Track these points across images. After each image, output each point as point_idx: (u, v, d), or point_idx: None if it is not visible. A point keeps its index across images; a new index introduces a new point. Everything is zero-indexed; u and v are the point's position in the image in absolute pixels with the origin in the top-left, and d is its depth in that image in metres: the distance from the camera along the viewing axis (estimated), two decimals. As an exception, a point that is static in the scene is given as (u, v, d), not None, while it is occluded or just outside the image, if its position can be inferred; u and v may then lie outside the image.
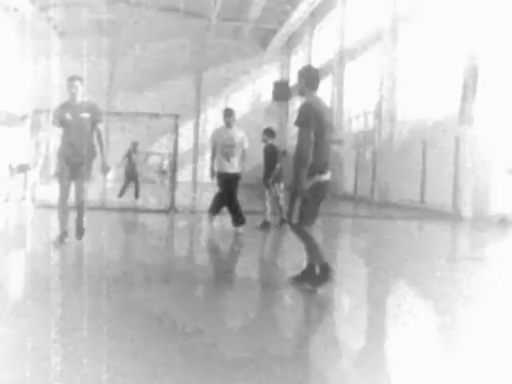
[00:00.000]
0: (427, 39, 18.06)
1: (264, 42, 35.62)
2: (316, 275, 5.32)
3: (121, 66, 34.21)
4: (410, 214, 15.79)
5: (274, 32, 33.45)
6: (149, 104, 31.01)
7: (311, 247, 5.34)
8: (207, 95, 35.45)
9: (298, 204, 5.24)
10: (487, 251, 9.20)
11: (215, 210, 9.89)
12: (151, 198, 17.18)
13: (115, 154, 18.67)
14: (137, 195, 15.21)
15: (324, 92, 27.80)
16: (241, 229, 9.39)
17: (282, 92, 34.30)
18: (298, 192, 5.19)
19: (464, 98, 15.55)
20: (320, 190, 5.29)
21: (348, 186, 23.55)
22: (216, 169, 9.41)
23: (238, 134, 9.48)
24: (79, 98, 7.08)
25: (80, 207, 7.18)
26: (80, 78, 7.14)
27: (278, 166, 10.64)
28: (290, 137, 31.06)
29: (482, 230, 12.54)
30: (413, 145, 17.84)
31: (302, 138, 5.14)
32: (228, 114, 9.51)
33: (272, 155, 10.61)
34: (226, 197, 9.49)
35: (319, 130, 5.18)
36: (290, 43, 35.10)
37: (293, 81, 34.44)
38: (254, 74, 35.92)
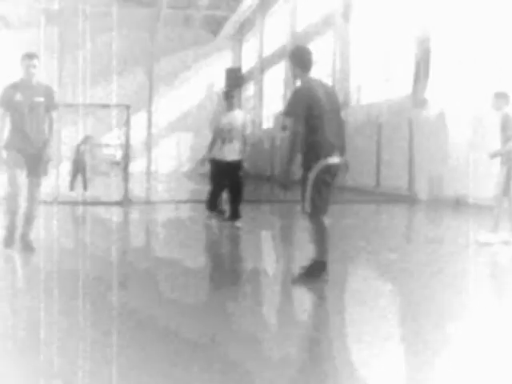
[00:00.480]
0: (379, 22, 18.07)
1: (215, 30, 35.22)
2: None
3: (70, 58, 33.31)
4: (366, 197, 15.81)
5: (226, 19, 33.09)
6: (100, 96, 30.33)
7: (322, 241, 5.01)
8: (159, 85, 34.88)
9: (308, 192, 4.96)
10: (441, 232, 9.20)
11: (212, 205, 8.96)
12: (104, 189, 16.79)
13: (67, 147, 18.22)
14: (85, 187, 14.82)
15: (276, 78, 27.70)
16: (239, 223, 8.75)
17: (234, 79, 34.02)
18: (279, 180, 5.13)
19: (416, 81, 15.61)
20: (328, 175, 5.01)
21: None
22: (216, 157, 8.67)
23: (239, 116, 8.78)
24: (35, 80, 6.23)
25: (31, 209, 6.27)
26: (38, 57, 6.24)
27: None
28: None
29: (437, 212, 12.65)
30: (367, 128, 17.87)
31: (289, 128, 4.96)
32: (229, 95, 8.92)
33: None
34: (222, 187, 8.84)
35: (317, 112, 4.93)
36: (242, 30, 34.80)
37: (245, 67, 34.23)
38: (206, 61, 35.50)
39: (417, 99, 15.45)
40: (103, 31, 32.95)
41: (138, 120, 32.06)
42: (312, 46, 23.69)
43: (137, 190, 16.20)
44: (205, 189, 9.51)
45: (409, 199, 14.54)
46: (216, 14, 33.06)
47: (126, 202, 12.37)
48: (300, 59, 5.22)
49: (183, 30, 34.96)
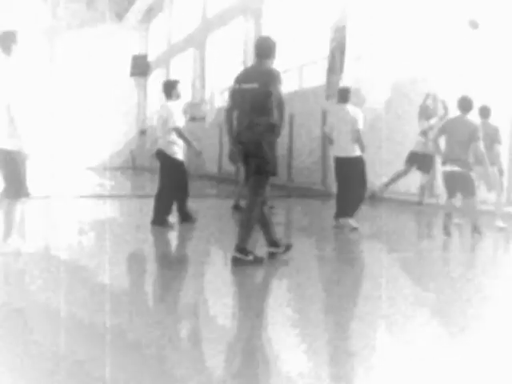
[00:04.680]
0: (294, 9, 17.34)
1: (120, 14, 33.41)
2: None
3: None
4: (278, 192, 15.05)
5: (131, 2, 31.44)
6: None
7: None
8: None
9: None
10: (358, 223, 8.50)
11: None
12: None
13: None
14: None
15: (185, 65, 26.47)
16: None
17: (139, 67, 32.49)
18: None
19: (331, 71, 14.97)
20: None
21: (211, 166, 22.46)
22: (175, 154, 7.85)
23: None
24: None
25: None
26: None
27: None
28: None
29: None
30: (279, 120, 17.06)
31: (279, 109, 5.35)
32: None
33: None
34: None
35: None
36: (149, 15, 33.23)
37: (151, 55, 32.73)
38: (110, 48, 33.60)
39: (330, 90, 14.78)
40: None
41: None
42: (223, 33, 22.72)
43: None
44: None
45: (322, 194, 13.83)
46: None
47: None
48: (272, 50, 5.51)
49: (86, 14, 32.90)
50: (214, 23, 23.37)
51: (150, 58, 32.80)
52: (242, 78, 5.48)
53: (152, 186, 12.39)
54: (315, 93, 15.40)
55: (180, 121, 7.79)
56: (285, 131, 16.28)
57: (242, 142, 5.39)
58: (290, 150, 16.39)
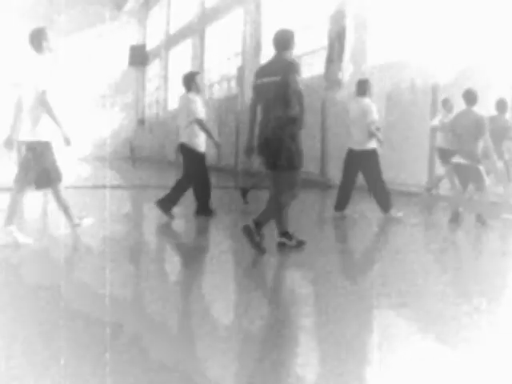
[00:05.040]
0: (291, 0, 17.21)
1: (119, 4, 33.20)
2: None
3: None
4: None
5: (130, -7, 31.30)
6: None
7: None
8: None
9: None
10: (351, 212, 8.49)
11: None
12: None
13: None
14: None
15: (183, 56, 26.34)
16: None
17: (138, 56, 32.30)
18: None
19: (330, 61, 14.88)
20: None
21: (210, 156, 22.33)
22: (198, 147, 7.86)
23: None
24: None
25: None
26: None
27: None
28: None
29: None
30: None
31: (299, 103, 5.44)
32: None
33: None
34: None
35: None
36: (148, 4, 33.03)
37: (150, 45, 32.56)
38: (109, 38, 33.41)
39: (330, 80, 14.71)
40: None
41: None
42: (221, 24, 22.58)
43: None
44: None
45: (321, 185, 13.78)
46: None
47: None
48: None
49: (84, 4, 32.67)
50: (212, 13, 23.22)
51: (148, 48, 32.62)
52: (262, 72, 5.55)
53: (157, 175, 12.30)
54: (314, 83, 15.30)
55: (202, 113, 7.74)
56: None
57: (267, 137, 5.40)
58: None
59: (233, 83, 21.01)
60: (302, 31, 16.75)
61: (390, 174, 10.41)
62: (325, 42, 15.00)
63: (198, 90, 7.91)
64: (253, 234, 5.24)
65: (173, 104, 27.94)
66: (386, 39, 13.46)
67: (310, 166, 15.15)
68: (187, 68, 25.11)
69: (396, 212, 8.06)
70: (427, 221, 9.21)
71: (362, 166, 8.03)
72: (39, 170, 5.68)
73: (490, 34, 10.38)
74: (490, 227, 7.51)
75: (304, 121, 5.38)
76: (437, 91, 11.93)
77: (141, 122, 32.05)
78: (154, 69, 32.00)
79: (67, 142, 5.75)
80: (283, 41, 5.54)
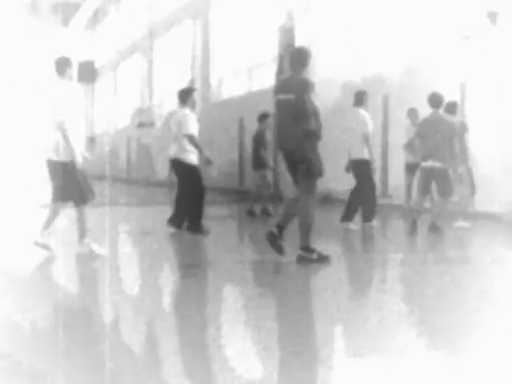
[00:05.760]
0: (242, 9, 17.11)
1: (65, 19, 32.60)
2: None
3: None
4: (230, 197, 14.82)
5: (77, 8, 30.70)
6: None
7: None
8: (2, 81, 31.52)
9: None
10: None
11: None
12: None
13: None
14: None
15: (132, 71, 25.95)
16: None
17: (86, 73, 31.72)
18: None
19: (280, 73, 14.75)
20: None
21: (163, 173, 22.00)
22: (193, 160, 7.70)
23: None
24: None
25: None
26: None
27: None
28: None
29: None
30: (229, 123, 16.79)
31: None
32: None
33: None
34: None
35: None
36: (95, 19, 32.52)
37: (98, 61, 32.05)
38: (56, 54, 32.68)
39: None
40: None
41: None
42: (170, 36, 22.30)
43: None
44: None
45: (276, 198, 13.58)
46: (67, 1, 30.58)
47: None
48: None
49: (29, 18, 31.90)
50: (161, 27, 22.95)
51: (96, 64, 32.11)
52: (278, 89, 5.85)
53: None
54: (264, 95, 15.15)
55: (194, 128, 7.62)
56: (235, 135, 16.13)
57: (286, 149, 5.77)
58: (241, 154, 16.14)
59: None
60: (251, 43, 16.67)
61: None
62: (275, 54, 14.89)
63: (193, 106, 7.92)
64: (307, 257, 5.58)
65: (123, 121, 27.45)
66: (333, 51, 13.47)
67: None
68: (136, 83, 24.77)
69: (354, 226, 8.24)
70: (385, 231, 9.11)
71: (355, 174, 8.31)
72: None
73: (431, 35, 10.51)
74: (444, 236, 7.43)
75: (321, 133, 5.70)
76: (387, 102, 11.95)
77: (91, 139, 31.44)
78: (102, 85, 31.49)
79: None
80: (298, 59, 5.78)
